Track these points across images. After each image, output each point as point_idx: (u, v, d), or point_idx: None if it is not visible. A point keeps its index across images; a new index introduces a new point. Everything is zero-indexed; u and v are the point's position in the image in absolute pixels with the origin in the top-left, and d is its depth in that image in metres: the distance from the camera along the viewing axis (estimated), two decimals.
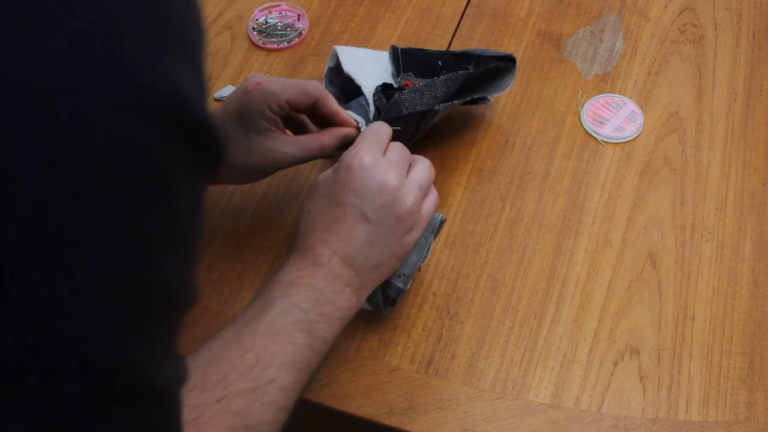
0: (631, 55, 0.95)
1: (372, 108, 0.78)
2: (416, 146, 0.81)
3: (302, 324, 0.58)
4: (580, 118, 0.89)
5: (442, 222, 0.71)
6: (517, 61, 0.85)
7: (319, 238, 0.61)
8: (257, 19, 0.99)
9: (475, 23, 0.98)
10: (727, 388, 0.70)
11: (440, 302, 0.75)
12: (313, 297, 0.59)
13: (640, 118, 0.89)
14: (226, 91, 0.90)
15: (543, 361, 0.72)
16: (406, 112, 0.76)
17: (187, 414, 0.48)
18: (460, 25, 0.98)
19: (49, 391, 0.37)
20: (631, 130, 0.88)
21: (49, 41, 0.32)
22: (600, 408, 0.69)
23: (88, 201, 0.34)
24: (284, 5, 1.00)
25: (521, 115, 0.89)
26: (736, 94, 0.91)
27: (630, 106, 0.90)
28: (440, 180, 0.82)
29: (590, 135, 0.88)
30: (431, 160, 0.67)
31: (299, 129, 0.75)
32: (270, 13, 1.00)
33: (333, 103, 0.71)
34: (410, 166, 0.65)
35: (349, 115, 0.74)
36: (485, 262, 0.78)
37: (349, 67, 0.81)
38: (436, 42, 0.96)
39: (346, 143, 0.71)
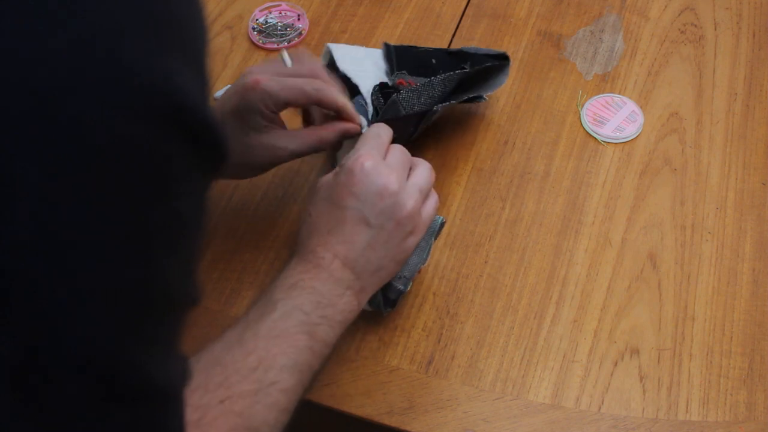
0: (631, 55, 0.95)
1: (370, 108, 0.77)
2: (415, 146, 0.81)
3: (304, 327, 0.58)
4: (580, 118, 0.89)
5: (442, 224, 0.72)
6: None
7: (320, 241, 0.61)
8: (257, 19, 0.99)
9: (475, 23, 0.98)
10: (727, 388, 0.70)
11: (440, 302, 0.75)
12: (315, 300, 0.59)
13: (640, 118, 0.89)
14: None
15: (543, 361, 0.72)
16: (404, 113, 0.76)
17: (190, 415, 0.48)
18: (460, 25, 0.98)
19: (50, 391, 0.37)
20: (631, 130, 0.88)
21: (49, 41, 0.32)
22: (600, 408, 0.69)
23: (88, 201, 0.34)
24: (284, 5, 1.00)
25: (521, 115, 0.89)
26: (736, 94, 0.91)
27: (630, 106, 0.90)
28: (440, 180, 0.82)
29: (590, 135, 0.88)
30: (431, 160, 0.67)
31: (307, 115, 0.74)
32: (270, 13, 1.00)
33: (337, 100, 0.69)
34: (410, 168, 0.65)
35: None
36: (485, 262, 0.78)
37: (344, 65, 0.81)
38: (436, 42, 0.96)
39: (347, 137, 0.71)
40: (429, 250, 0.70)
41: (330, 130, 0.71)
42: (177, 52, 0.36)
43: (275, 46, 0.96)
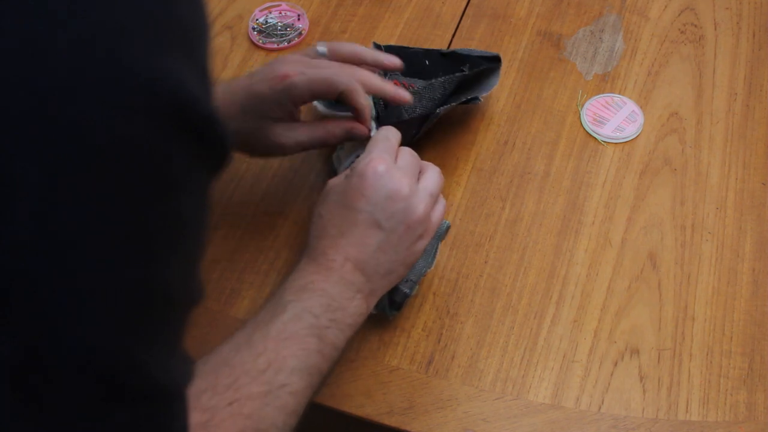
0: (631, 55, 0.95)
1: (373, 111, 0.78)
2: (416, 146, 0.81)
3: (313, 329, 0.58)
4: (580, 118, 0.89)
5: (448, 228, 0.72)
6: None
7: (331, 243, 0.62)
8: (257, 19, 0.99)
9: (475, 23, 0.98)
10: (727, 388, 0.70)
11: (440, 302, 0.75)
12: (325, 302, 0.59)
13: (640, 118, 0.89)
14: None
15: (543, 361, 0.72)
16: (407, 116, 0.76)
17: (198, 417, 0.48)
18: (460, 25, 0.98)
19: (50, 391, 0.37)
20: (631, 130, 0.88)
21: (49, 41, 0.32)
22: (600, 408, 0.69)
23: (88, 201, 0.34)
24: (284, 5, 1.00)
25: (521, 115, 0.89)
26: (736, 94, 0.91)
27: (630, 106, 0.90)
28: None
29: (590, 135, 0.88)
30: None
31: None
32: (270, 13, 1.00)
33: (360, 99, 0.70)
34: (420, 172, 0.65)
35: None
36: (485, 262, 0.78)
37: None
38: (437, 42, 0.96)
39: (353, 137, 0.72)
40: (435, 254, 0.71)
41: (339, 126, 0.71)
42: (178, 51, 0.36)
43: (275, 46, 0.96)
